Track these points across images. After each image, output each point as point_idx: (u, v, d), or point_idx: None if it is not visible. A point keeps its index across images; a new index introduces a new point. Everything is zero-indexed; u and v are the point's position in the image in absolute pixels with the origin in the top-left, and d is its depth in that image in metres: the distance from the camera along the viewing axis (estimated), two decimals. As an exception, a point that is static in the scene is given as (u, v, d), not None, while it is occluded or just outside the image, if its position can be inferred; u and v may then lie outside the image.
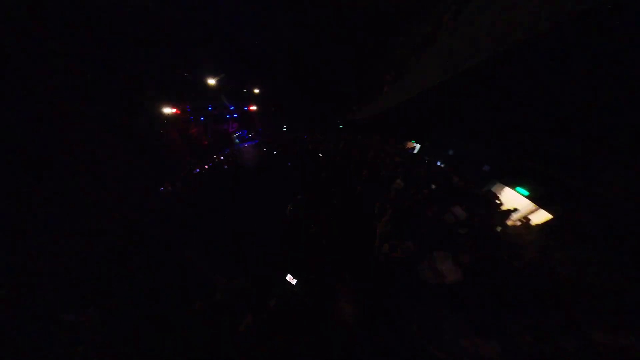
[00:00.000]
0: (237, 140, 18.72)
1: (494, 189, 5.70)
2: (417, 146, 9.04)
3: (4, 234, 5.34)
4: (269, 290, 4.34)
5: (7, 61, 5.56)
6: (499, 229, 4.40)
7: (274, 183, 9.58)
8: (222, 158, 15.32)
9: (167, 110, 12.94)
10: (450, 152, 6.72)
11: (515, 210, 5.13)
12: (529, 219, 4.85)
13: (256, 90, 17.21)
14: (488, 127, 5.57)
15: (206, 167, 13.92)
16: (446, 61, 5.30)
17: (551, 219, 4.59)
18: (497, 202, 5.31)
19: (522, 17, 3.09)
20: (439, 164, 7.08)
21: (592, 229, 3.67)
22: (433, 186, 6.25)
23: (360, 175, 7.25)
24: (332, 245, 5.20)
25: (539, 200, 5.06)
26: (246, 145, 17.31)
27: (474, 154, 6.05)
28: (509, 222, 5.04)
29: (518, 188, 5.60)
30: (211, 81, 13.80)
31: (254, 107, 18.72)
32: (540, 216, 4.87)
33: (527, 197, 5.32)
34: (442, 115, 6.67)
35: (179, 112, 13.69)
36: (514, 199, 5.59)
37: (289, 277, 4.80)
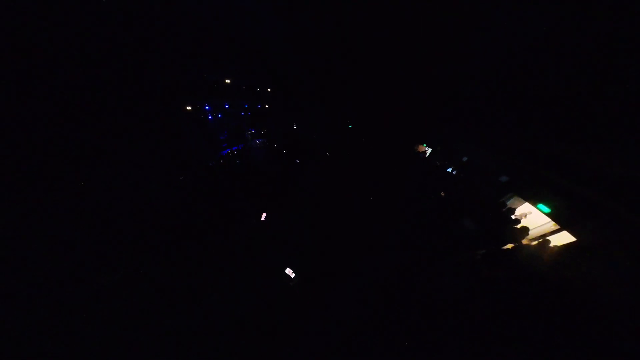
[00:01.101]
0: (249, 137, 19.70)
1: (510, 202, 5.17)
2: (429, 150, 8.52)
3: (61, 213, 6.28)
4: (270, 283, 4.62)
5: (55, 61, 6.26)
6: (510, 246, 3.95)
7: (283, 179, 9.71)
8: (235, 152, 16.17)
9: (189, 108, 14.33)
10: (464, 159, 6.19)
11: (533, 228, 4.64)
12: (549, 240, 4.32)
13: (269, 89, 18.27)
14: (508, 133, 5.05)
15: (221, 161, 14.75)
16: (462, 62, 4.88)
17: (574, 242, 4.06)
18: (513, 217, 4.81)
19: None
20: (450, 170, 6.57)
21: (623, 259, 3.16)
22: (442, 194, 5.84)
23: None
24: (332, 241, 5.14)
25: (562, 220, 4.50)
26: (258, 141, 18.34)
27: (490, 162, 5.52)
28: (525, 241, 4.55)
29: (540, 205, 5.04)
30: (228, 81, 15.17)
31: (267, 105, 19.78)
32: (562, 237, 4.33)
33: (549, 215, 4.77)
34: (457, 116, 6.20)
35: (199, 109, 15.19)
36: (532, 216, 5.04)
37: (288, 271, 4.82)
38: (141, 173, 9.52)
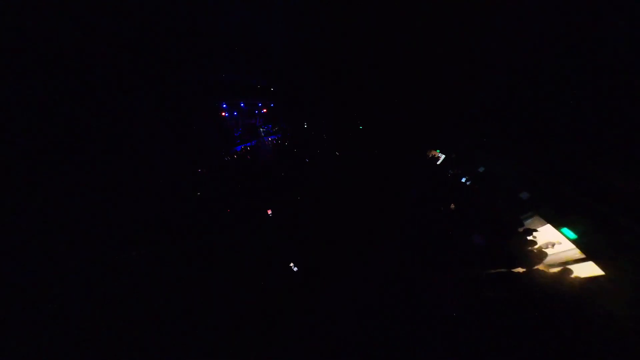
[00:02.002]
0: (262, 134, 20.57)
1: (530, 222, 4.62)
2: (442, 156, 7.90)
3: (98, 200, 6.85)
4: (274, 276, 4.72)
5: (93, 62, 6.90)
6: (521, 270, 3.50)
7: (292, 176, 10.04)
8: (248, 149, 17.31)
9: (208, 106, 15.83)
10: (481, 169, 5.61)
11: (553, 253, 4.10)
12: (570, 270, 3.78)
13: (282, 89, 19.22)
14: (535, 145, 4.46)
15: (235, 156, 15.78)
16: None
17: (600, 276, 3.51)
18: (531, 239, 4.28)
19: None
20: (463, 180, 6.00)
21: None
22: (453, 205, 5.37)
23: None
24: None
25: (589, 249, 3.93)
26: (269, 139, 19.28)
27: (511, 176, 4.93)
28: (541, 267, 4.03)
29: (564, 229, 4.45)
30: (243, 81, 16.63)
31: (278, 104, 20.75)
32: (587, 269, 3.77)
33: (574, 241, 4.19)
34: (477, 122, 5.64)
35: (217, 107, 16.60)
36: (554, 240, 4.46)
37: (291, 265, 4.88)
38: (166, 165, 10.56)
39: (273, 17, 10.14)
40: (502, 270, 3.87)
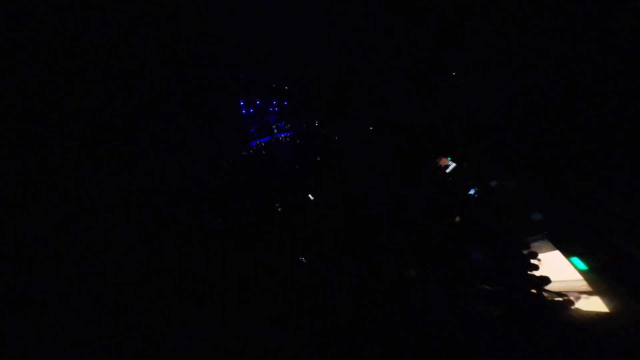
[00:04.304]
0: (275, 131, 21.56)
1: (536, 245, 4.32)
2: (452, 165, 7.51)
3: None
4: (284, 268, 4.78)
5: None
6: (517, 291, 3.29)
7: (303, 173, 10.43)
8: (262, 144, 18.39)
9: (227, 103, 17.00)
10: (493, 183, 5.28)
11: (557, 281, 3.82)
12: (572, 301, 3.51)
13: (296, 88, 20.05)
14: (555, 165, 4.12)
15: (250, 151, 16.86)
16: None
17: (605, 313, 3.23)
18: (534, 262, 4.00)
19: None
20: (472, 192, 5.67)
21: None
22: (457, 218, 5.13)
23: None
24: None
25: (599, 284, 3.63)
26: (282, 135, 20.27)
27: (524, 194, 4.59)
28: (545, 293, 3.76)
29: (575, 259, 4.13)
30: (260, 80, 17.41)
31: (292, 102, 21.62)
32: (591, 304, 3.48)
33: (583, 273, 3.88)
34: (494, 133, 5.29)
35: (235, 105, 17.68)
36: (562, 269, 4.15)
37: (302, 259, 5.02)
38: (190, 158, 11.64)
39: (288, 18, 10.47)
40: (498, 288, 3.67)
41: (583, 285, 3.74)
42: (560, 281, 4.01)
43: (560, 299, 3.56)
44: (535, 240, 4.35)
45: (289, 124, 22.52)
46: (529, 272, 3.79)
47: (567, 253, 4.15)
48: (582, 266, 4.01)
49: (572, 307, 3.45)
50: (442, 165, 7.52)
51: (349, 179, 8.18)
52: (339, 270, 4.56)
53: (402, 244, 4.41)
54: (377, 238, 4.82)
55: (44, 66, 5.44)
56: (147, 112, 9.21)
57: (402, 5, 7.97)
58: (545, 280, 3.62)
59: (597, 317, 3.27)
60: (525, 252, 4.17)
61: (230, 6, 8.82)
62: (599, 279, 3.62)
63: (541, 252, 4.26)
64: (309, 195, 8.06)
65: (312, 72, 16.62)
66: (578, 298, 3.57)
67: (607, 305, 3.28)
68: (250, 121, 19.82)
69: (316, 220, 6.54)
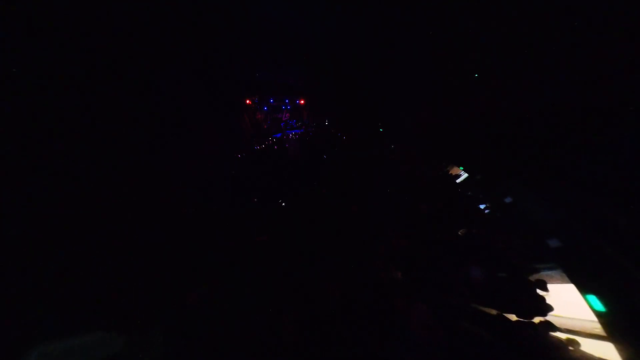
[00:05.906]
0: (285, 127, 22.73)
1: (547, 274, 3.87)
2: (464, 175, 6.98)
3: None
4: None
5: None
6: (514, 318, 2.96)
7: (311, 171, 10.62)
8: (274, 140, 19.31)
9: (243, 102, 18.45)
10: (508, 200, 4.76)
11: (565, 316, 3.40)
12: (578, 342, 3.08)
13: (307, 86, 20.67)
14: (584, 190, 3.61)
15: (263, 146, 17.84)
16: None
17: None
18: (541, 292, 3.58)
19: None
20: (482, 207, 5.18)
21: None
22: (461, 232, 4.75)
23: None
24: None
25: (615, 330, 3.16)
26: (292, 133, 21.27)
27: (544, 216, 4.09)
28: (551, 332, 3.34)
29: (590, 296, 3.64)
30: (275, 80, 18.66)
31: (303, 101, 22.57)
32: (602, 348, 3.03)
33: (598, 314, 3.41)
34: (517, 145, 4.78)
35: (249, 103, 18.98)
36: (574, 305, 3.68)
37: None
38: (207, 153, 12.43)
39: (302, 17, 10.67)
40: (491, 311, 3.32)
41: (596, 327, 3.28)
42: (569, 318, 3.55)
43: (565, 337, 3.14)
44: (548, 269, 3.90)
45: (299, 122, 23.73)
46: (532, 301, 3.39)
47: (583, 289, 3.67)
48: (599, 307, 3.52)
49: (579, 349, 3.03)
50: (453, 174, 7.04)
51: (349, 179, 8.08)
52: (327, 266, 4.42)
53: (396, 247, 4.17)
54: (371, 238, 4.61)
55: (63, 64, 5.63)
56: (171, 111, 9.99)
57: (423, 6, 7.66)
58: (549, 308, 3.22)
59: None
60: (533, 278, 3.75)
61: (245, 5, 9.21)
62: (616, 323, 3.15)
63: (552, 283, 3.80)
64: (311, 191, 8.10)
65: (326, 72, 17.03)
66: (587, 340, 3.14)
67: (620, 353, 2.83)
68: (264, 118, 21.27)
69: (314, 216, 6.48)
